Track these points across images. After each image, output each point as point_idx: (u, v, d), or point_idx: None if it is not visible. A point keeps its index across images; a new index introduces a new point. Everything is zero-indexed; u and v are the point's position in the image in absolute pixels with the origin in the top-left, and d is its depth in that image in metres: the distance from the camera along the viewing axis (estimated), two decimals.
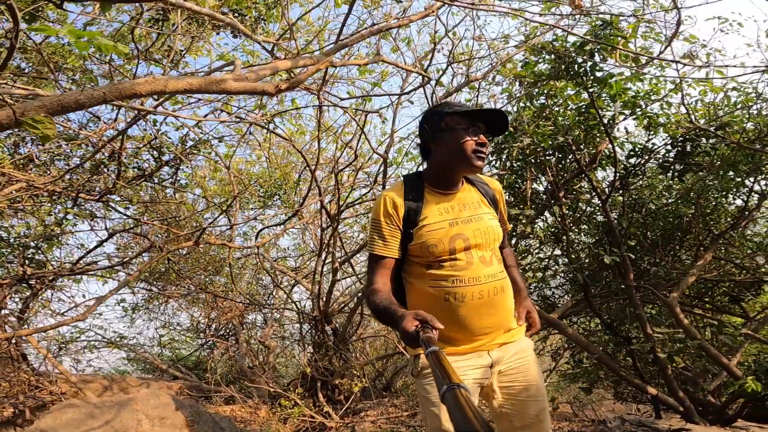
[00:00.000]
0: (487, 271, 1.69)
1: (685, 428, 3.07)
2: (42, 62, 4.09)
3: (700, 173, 5.00)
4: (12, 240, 4.69)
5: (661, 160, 5.25)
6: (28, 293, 4.21)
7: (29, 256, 4.72)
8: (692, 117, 4.51)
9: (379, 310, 1.55)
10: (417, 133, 1.91)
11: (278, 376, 6.77)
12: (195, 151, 4.01)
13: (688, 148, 5.01)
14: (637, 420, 3.45)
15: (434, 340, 1.15)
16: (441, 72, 4.22)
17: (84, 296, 7.78)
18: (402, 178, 1.84)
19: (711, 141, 4.81)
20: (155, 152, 3.78)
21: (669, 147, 5.09)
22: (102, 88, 1.39)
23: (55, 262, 5.01)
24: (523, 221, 4.76)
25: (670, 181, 5.61)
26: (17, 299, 4.64)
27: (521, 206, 4.78)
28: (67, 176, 3.51)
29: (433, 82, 4.00)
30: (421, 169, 1.92)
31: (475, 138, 1.69)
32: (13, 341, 3.43)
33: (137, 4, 3.76)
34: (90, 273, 4.36)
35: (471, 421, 0.60)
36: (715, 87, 4.44)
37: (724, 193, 5.29)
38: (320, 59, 1.83)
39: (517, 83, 4.97)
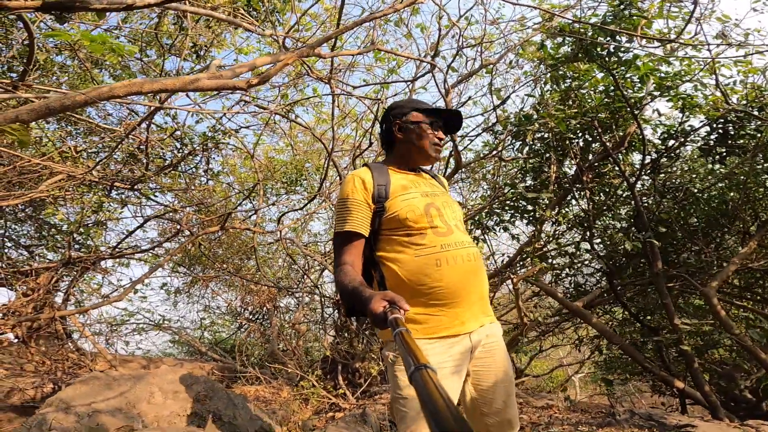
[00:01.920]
0: (465, 238, 1.76)
1: (692, 425, 2.97)
2: (80, 60, 4.37)
3: (745, 156, 4.71)
4: (63, 227, 5.08)
5: (701, 143, 4.98)
6: (72, 276, 4.58)
7: (79, 241, 5.10)
8: (729, 99, 4.25)
9: (348, 291, 1.52)
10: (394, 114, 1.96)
11: (311, 360, 6.98)
12: (219, 141, 4.20)
13: (731, 130, 4.73)
14: (646, 414, 3.35)
15: (402, 321, 1.12)
16: (453, 57, 4.17)
17: (130, 280, 8.27)
18: (365, 165, 1.92)
19: (756, 123, 4.51)
20: (177, 143, 4.00)
21: (708, 129, 4.82)
22: (84, 92, 1.52)
23: (102, 248, 5.40)
24: (543, 206, 4.66)
25: (711, 165, 5.32)
26: (66, 282, 5.04)
27: (539, 189, 4.68)
28: (99, 167, 3.79)
29: (445, 68, 3.98)
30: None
31: (435, 133, 1.89)
32: (57, 320, 3.76)
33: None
34: (129, 256, 4.68)
35: (438, 402, 0.60)
36: (753, 68, 4.15)
37: None
38: (293, 55, 1.89)
39: (542, 66, 4.85)
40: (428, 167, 2.06)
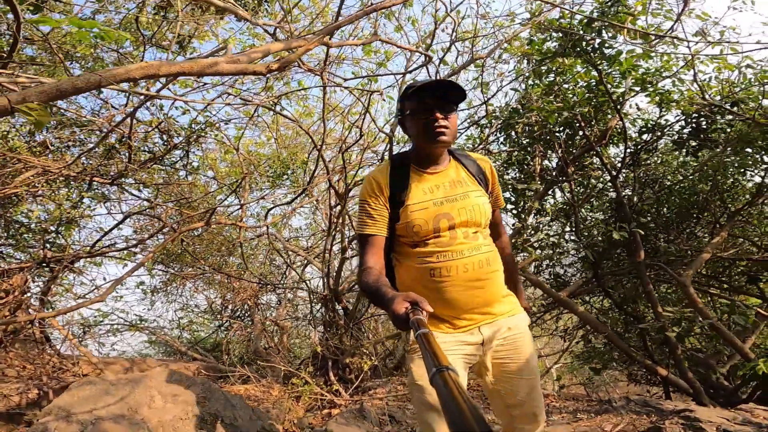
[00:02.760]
0: (472, 245, 1.71)
1: (689, 409, 3.08)
2: (51, 51, 4.16)
3: (716, 150, 4.90)
4: (32, 225, 4.84)
5: (675, 137, 5.17)
6: (48, 277, 4.37)
7: (49, 240, 4.87)
8: (706, 94, 4.41)
9: (371, 291, 1.55)
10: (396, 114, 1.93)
11: (293, 357, 6.91)
12: (203, 134, 4.07)
13: (703, 124, 4.92)
14: (642, 400, 3.46)
15: (424, 323, 1.13)
16: (445, 51, 4.17)
17: (105, 279, 7.97)
18: (388, 159, 1.89)
19: (727, 118, 4.70)
20: (164, 135, 3.85)
21: (683, 123, 5.00)
22: (98, 73, 1.44)
23: (75, 245, 5.16)
24: (531, 196, 4.74)
25: (685, 158, 5.53)
26: (39, 283, 4.81)
27: (526, 181, 4.76)
28: (82, 161, 3.61)
29: (437, 61, 3.97)
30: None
31: (426, 116, 1.69)
32: (36, 323, 3.57)
33: None
34: (107, 255, 4.50)
35: (460, 404, 0.60)
36: (729, 64, 4.31)
37: (741, 169, 5.16)
38: (313, 41, 1.85)
39: (526, 61, 4.92)
40: (463, 154, 1.93)
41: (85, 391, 2.39)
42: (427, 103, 1.70)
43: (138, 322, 7.02)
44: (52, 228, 4.67)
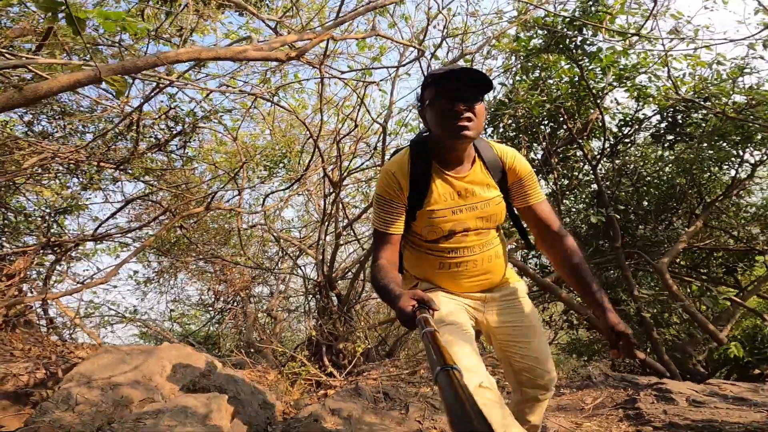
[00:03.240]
0: (483, 241, 1.72)
1: (662, 382, 3.32)
2: (55, 45, 4.27)
3: (691, 143, 5.17)
4: (35, 210, 4.87)
5: (652, 131, 5.44)
6: (50, 261, 4.45)
7: (49, 226, 4.93)
8: (679, 90, 4.67)
9: (379, 287, 1.53)
10: (415, 104, 1.92)
11: (287, 345, 7.03)
12: (206, 122, 4.21)
13: (679, 119, 5.20)
14: (619, 376, 3.71)
15: (430, 322, 1.10)
16: (436, 46, 4.38)
17: (98, 269, 7.99)
18: (408, 148, 1.71)
19: (701, 113, 4.97)
20: (171, 122, 3.98)
21: (659, 118, 5.27)
22: (154, 55, 1.65)
23: (74, 232, 5.22)
24: None
25: (661, 152, 5.81)
26: (41, 269, 4.88)
27: None
28: (91, 146, 3.72)
29: (428, 56, 4.18)
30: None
31: (447, 107, 1.51)
32: (44, 304, 3.66)
33: None
34: (111, 239, 4.62)
35: (463, 403, 0.60)
36: (701, 61, 4.58)
37: (717, 162, 5.41)
38: (323, 33, 2.03)
39: (513, 57, 5.14)
40: (488, 146, 1.74)
41: (104, 359, 2.53)
42: (449, 91, 1.50)
43: (133, 312, 7.07)
44: (54, 213, 4.73)
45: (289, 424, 2.96)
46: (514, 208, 1.83)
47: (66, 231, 4.63)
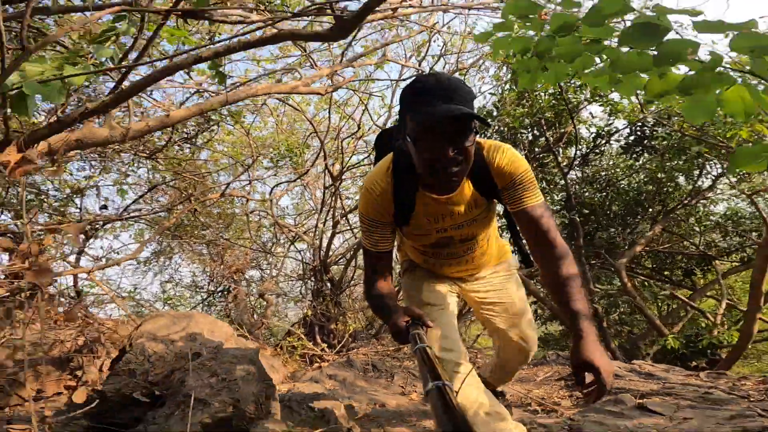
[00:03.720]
0: (467, 245, 1.74)
1: None
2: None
3: (655, 156, 5.78)
4: (66, 190, 5.11)
5: (623, 142, 6.06)
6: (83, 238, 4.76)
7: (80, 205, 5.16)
8: (644, 109, 5.23)
9: (373, 303, 1.59)
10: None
11: (280, 325, 7.38)
12: (230, 121, 4.66)
13: (647, 133, 5.81)
14: (567, 356, 4.34)
15: (423, 338, 1.10)
16: (435, 60, 4.88)
17: (112, 248, 8.12)
18: (390, 165, 1.56)
19: (665, 129, 5.56)
20: (200, 118, 4.38)
21: (629, 131, 5.88)
22: (242, 90, 2.12)
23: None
24: None
25: (630, 162, 6.41)
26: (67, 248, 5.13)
27: None
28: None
29: (427, 69, 4.68)
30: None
31: (433, 156, 1.31)
32: (86, 276, 3.94)
33: None
34: (138, 220, 5.07)
35: (455, 418, 0.61)
36: None
37: (681, 173, 5.96)
38: (346, 65, 2.56)
39: (504, 68, 5.64)
40: (478, 155, 1.49)
41: (159, 321, 2.99)
42: (436, 133, 1.28)
43: (134, 292, 7.27)
44: (74, 193, 4.97)
45: (294, 385, 3.45)
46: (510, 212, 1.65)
47: (89, 211, 4.96)
